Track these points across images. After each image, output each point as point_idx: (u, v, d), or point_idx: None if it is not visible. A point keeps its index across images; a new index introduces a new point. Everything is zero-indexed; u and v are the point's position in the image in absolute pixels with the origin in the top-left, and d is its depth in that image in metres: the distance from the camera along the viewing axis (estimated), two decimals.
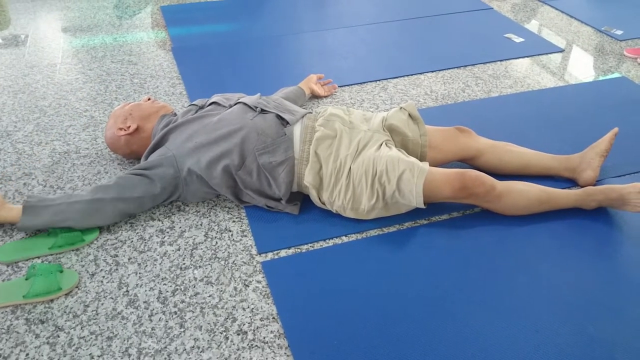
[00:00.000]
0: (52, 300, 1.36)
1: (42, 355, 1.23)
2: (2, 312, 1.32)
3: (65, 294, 1.37)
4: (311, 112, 1.70)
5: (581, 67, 2.55)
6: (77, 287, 1.40)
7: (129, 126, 1.71)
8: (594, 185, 1.70)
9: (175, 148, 1.57)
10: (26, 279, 1.40)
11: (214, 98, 1.74)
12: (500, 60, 2.58)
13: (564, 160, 1.74)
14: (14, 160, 1.87)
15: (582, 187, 1.69)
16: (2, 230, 1.55)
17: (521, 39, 2.78)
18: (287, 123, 1.61)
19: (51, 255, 1.49)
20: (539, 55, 2.65)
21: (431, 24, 2.97)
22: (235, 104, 1.67)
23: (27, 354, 1.23)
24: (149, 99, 1.80)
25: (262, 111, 1.64)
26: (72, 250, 1.49)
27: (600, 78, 2.45)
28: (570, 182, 1.74)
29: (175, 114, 1.75)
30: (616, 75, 2.46)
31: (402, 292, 1.38)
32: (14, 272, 1.44)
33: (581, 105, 2.21)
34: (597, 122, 2.08)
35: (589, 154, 1.71)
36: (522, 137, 1.93)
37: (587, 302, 1.36)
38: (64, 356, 1.22)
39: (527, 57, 2.63)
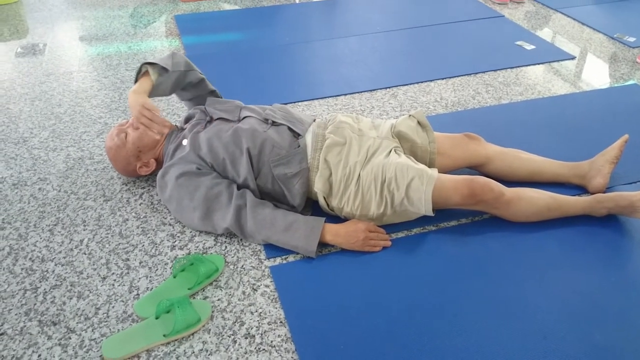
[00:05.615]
0: (192, 334, 1.30)
1: (54, 357, 1.25)
2: (16, 315, 1.35)
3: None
4: (317, 119, 1.71)
5: (593, 75, 2.54)
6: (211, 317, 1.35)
7: (148, 162, 1.72)
8: (604, 192, 1.69)
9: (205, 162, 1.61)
10: (156, 318, 1.31)
11: (217, 113, 1.71)
12: (511, 68, 2.58)
13: (573, 167, 1.74)
14: (29, 166, 1.91)
15: (591, 194, 1.68)
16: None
17: (532, 47, 2.78)
18: (299, 135, 1.63)
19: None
20: (550, 62, 2.64)
21: (442, 31, 2.98)
22: (244, 118, 1.68)
23: (39, 355, 1.25)
24: (126, 122, 1.73)
25: (274, 123, 1.65)
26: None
27: (613, 85, 2.43)
28: (580, 189, 1.74)
29: (182, 129, 1.73)
30: (630, 82, 2.45)
31: (410, 298, 1.38)
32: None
33: (592, 112, 2.20)
34: (608, 129, 2.07)
35: (598, 161, 1.70)
36: (532, 144, 1.93)
37: (594, 309, 1.35)
38: (75, 358, 1.25)
39: (538, 64, 2.62)
